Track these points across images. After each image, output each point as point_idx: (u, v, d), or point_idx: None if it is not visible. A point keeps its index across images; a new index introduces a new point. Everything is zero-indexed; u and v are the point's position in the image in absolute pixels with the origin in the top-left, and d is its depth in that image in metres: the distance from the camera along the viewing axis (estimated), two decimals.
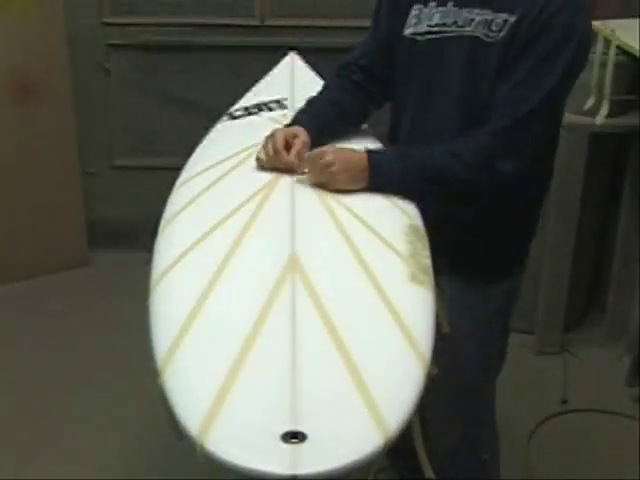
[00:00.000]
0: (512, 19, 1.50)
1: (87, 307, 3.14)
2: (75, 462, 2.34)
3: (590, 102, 2.65)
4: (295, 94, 1.93)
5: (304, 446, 0.91)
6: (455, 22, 1.58)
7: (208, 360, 1.05)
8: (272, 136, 1.57)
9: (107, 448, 2.40)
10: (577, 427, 2.56)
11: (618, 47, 2.54)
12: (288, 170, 1.53)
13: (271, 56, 2.27)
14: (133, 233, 3.42)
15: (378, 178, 1.50)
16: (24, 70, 3.15)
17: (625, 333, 2.85)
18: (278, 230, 1.32)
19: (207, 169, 1.59)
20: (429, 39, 1.61)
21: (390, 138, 1.75)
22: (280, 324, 1.10)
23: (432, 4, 1.61)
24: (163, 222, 1.44)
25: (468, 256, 1.67)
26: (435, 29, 1.61)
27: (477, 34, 1.54)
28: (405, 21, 1.65)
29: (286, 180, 1.50)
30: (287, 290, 1.17)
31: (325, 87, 1.78)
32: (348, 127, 1.73)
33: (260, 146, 1.59)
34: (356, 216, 1.40)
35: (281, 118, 1.80)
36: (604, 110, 2.63)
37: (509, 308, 1.82)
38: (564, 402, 2.65)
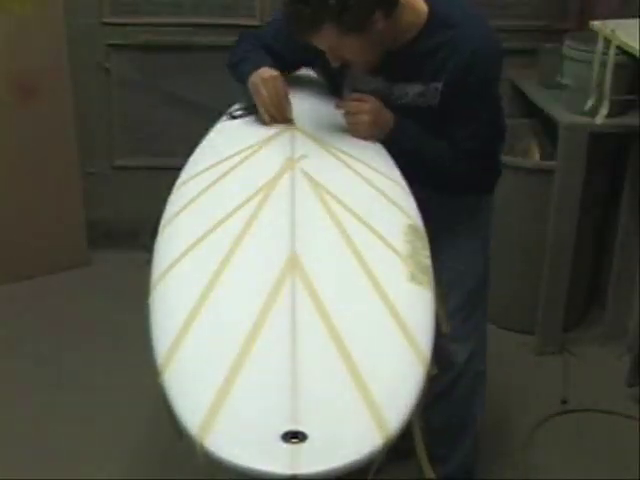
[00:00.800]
0: (440, 85, 1.74)
1: (87, 307, 3.14)
2: (75, 462, 2.34)
3: (590, 102, 2.65)
4: (295, 94, 1.93)
5: (304, 446, 0.91)
6: (391, 94, 1.79)
7: (208, 360, 1.05)
8: (267, 85, 1.75)
9: (107, 448, 2.40)
10: (577, 427, 2.56)
11: (618, 47, 2.54)
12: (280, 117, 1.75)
13: None
14: (133, 233, 3.41)
15: (397, 137, 1.76)
16: (24, 70, 3.15)
17: (625, 333, 2.85)
18: (278, 230, 1.33)
19: (207, 169, 1.59)
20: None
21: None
22: (280, 324, 1.10)
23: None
24: (163, 222, 1.44)
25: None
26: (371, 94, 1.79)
27: (415, 104, 1.78)
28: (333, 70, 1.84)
29: (286, 179, 1.50)
30: (287, 290, 1.17)
31: (255, 49, 1.89)
32: None
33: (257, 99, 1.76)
34: (356, 216, 1.40)
35: None
36: (604, 110, 2.63)
37: (489, 229, 2.08)
38: (564, 402, 2.65)
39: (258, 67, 1.80)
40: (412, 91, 1.78)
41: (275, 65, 1.83)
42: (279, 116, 1.76)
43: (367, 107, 1.75)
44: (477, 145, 1.80)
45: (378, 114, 1.76)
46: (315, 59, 1.87)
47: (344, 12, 1.58)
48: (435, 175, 1.80)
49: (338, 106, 1.79)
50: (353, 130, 1.76)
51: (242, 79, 1.84)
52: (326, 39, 1.65)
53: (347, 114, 1.76)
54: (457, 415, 2.10)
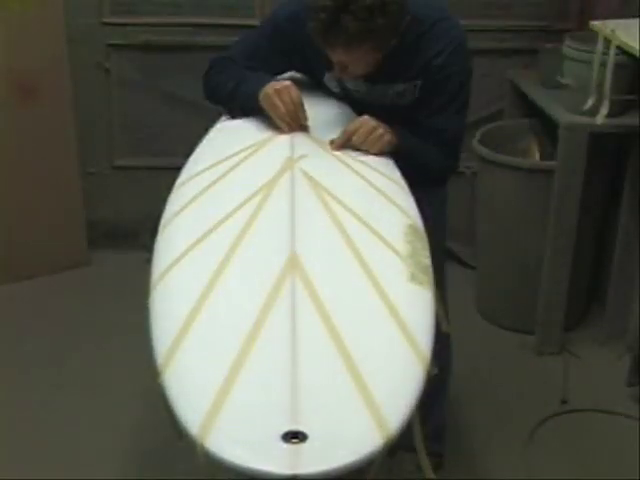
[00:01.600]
0: (419, 82, 1.83)
1: (87, 307, 3.14)
2: (75, 462, 2.34)
3: (590, 102, 2.65)
4: None
5: (304, 446, 0.91)
6: (369, 93, 1.87)
7: (208, 360, 1.05)
8: (282, 96, 1.74)
9: (107, 448, 2.40)
10: (577, 427, 2.56)
11: (618, 47, 2.54)
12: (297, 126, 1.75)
13: None
14: (133, 233, 3.41)
15: (401, 142, 1.78)
16: (24, 70, 3.15)
17: (625, 333, 2.85)
18: (278, 229, 1.33)
19: (207, 169, 1.60)
20: (350, 98, 1.91)
21: None
22: (280, 324, 1.10)
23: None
24: (163, 222, 1.44)
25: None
26: (352, 94, 1.90)
27: (395, 102, 1.87)
28: (316, 69, 1.91)
29: (286, 179, 1.50)
30: (287, 290, 1.17)
31: (243, 70, 1.92)
32: None
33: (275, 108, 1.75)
34: (356, 216, 1.40)
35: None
36: (604, 110, 2.62)
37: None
38: (564, 402, 2.65)
39: (264, 83, 1.78)
40: (392, 90, 1.85)
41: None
42: (296, 125, 1.75)
43: (373, 122, 1.74)
44: (449, 133, 1.88)
45: (381, 124, 1.75)
46: (299, 67, 1.96)
47: (387, 32, 1.66)
48: (425, 167, 1.87)
49: (344, 142, 1.74)
50: (375, 148, 1.73)
51: (247, 101, 1.82)
52: (355, 54, 1.68)
53: (360, 137, 1.72)
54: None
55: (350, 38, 1.62)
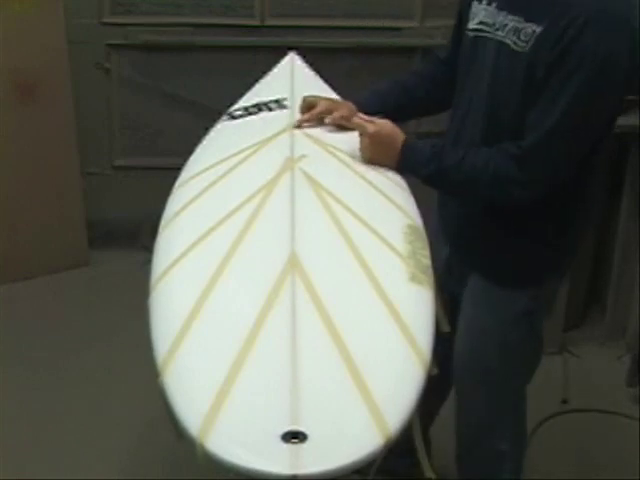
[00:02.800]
0: (538, 30, 1.50)
1: (87, 307, 3.14)
2: (75, 462, 2.34)
3: None
4: (295, 94, 1.93)
5: (304, 446, 0.91)
6: (493, 24, 1.61)
7: (208, 360, 1.05)
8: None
9: (107, 448, 2.40)
10: (577, 427, 2.56)
11: None
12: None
13: (271, 56, 2.27)
14: (133, 233, 3.42)
15: (406, 164, 1.63)
16: (24, 70, 3.15)
17: (625, 333, 2.85)
18: (278, 230, 1.32)
19: (207, 169, 1.60)
20: (473, 36, 1.68)
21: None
22: (280, 324, 1.10)
23: (484, 1, 1.66)
24: (163, 222, 1.44)
25: (495, 258, 1.72)
26: (479, 27, 1.66)
27: (507, 41, 1.57)
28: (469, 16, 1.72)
29: (286, 179, 1.50)
30: (287, 290, 1.17)
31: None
32: (407, 108, 1.86)
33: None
34: (356, 216, 1.40)
35: (281, 118, 1.81)
36: None
37: (538, 310, 1.81)
38: (564, 402, 2.65)
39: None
40: (511, 23, 1.56)
41: (370, 102, 1.82)
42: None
43: (370, 129, 1.63)
44: (537, 132, 1.52)
45: (379, 137, 1.63)
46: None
47: None
48: (471, 188, 1.61)
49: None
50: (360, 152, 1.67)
51: None
52: None
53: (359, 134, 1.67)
54: None
55: None
